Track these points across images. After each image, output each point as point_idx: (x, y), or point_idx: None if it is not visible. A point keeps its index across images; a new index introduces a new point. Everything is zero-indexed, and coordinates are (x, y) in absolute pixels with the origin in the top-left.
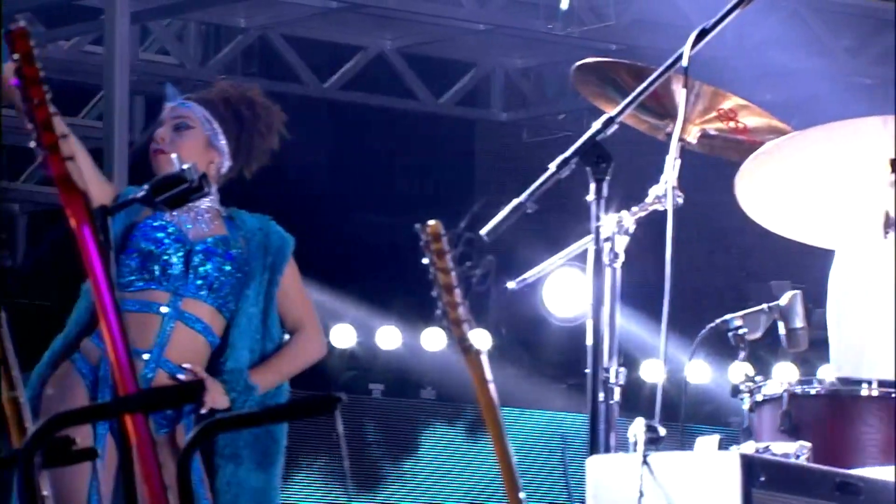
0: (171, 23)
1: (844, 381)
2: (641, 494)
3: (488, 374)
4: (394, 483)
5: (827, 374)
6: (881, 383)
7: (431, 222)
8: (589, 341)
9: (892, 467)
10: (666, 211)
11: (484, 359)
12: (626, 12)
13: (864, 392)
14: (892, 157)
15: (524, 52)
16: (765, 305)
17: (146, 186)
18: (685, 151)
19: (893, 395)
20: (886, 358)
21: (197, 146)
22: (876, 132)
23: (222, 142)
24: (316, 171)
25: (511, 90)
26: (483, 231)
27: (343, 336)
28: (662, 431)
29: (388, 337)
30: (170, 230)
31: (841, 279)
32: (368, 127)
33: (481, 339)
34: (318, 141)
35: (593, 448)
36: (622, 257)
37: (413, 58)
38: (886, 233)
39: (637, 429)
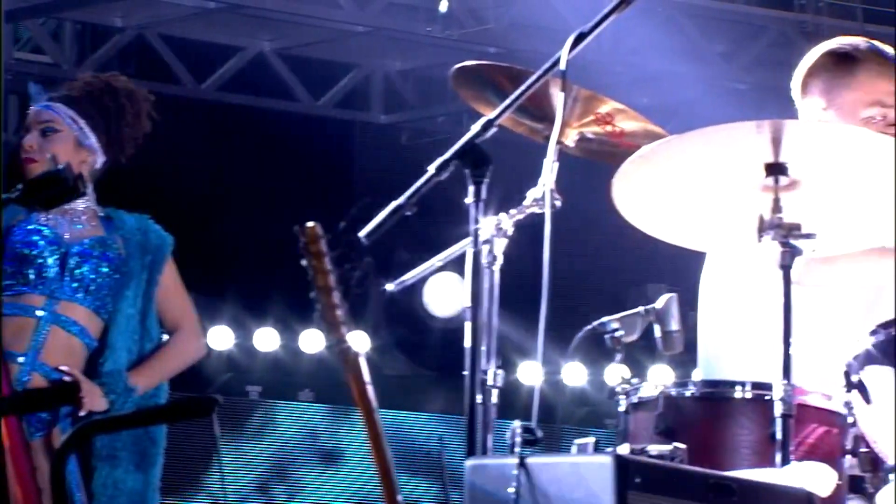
0: (46, 21)
1: (718, 383)
2: (518, 496)
3: (366, 376)
4: (271, 484)
5: (697, 375)
6: (754, 385)
7: (310, 224)
8: (467, 343)
9: (765, 469)
10: (544, 214)
11: (362, 361)
12: (504, 16)
13: (738, 394)
14: (767, 161)
15: (404, 55)
16: (641, 308)
17: (20, 187)
18: (563, 155)
19: (766, 398)
20: (757, 361)
21: (67, 149)
22: (750, 137)
23: (92, 139)
24: (194, 171)
25: (390, 92)
26: (362, 233)
27: (221, 338)
28: (539, 433)
29: (266, 339)
30: (45, 233)
31: (712, 283)
32: (247, 128)
33: (359, 341)
34: (195, 142)
35: (471, 450)
36: (500, 260)
37: (292, 59)
38: (760, 237)
39: (515, 430)
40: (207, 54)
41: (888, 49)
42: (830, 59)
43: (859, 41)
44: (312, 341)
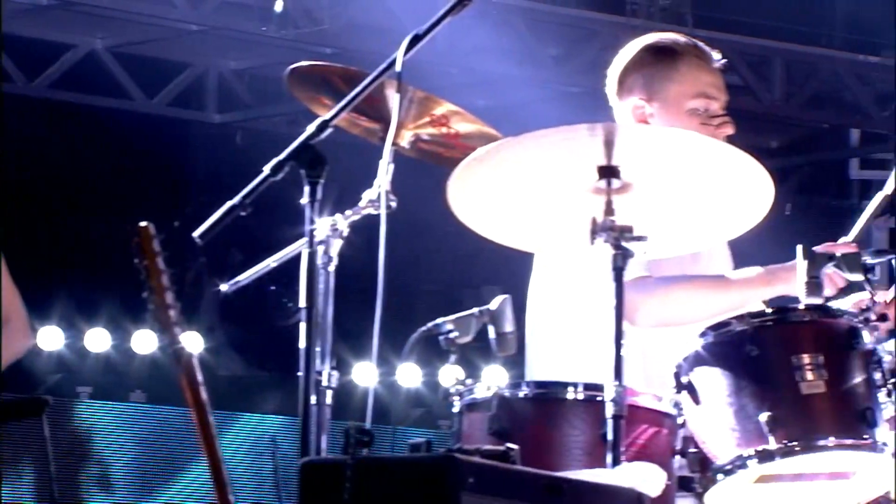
0: None
1: (551, 384)
2: (351, 497)
3: (199, 377)
4: (101, 485)
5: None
6: (586, 386)
7: (143, 224)
8: (302, 344)
9: (597, 469)
10: (379, 215)
11: (195, 361)
12: (340, 16)
13: (570, 395)
14: (599, 163)
15: (238, 54)
16: (476, 310)
17: None
18: (398, 156)
19: (598, 399)
20: (588, 363)
21: None
22: (583, 139)
23: None
24: (24, 169)
25: (225, 92)
26: (196, 233)
27: (50, 338)
28: (373, 434)
29: (97, 339)
30: None
31: (543, 285)
32: (80, 126)
33: (193, 341)
34: (27, 140)
35: (304, 451)
36: (336, 261)
37: (125, 57)
38: (593, 239)
39: (349, 431)
40: (39, 51)
41: (701, 44)
42: (650, 54)
43: (674, 36)
44: (145, 342)
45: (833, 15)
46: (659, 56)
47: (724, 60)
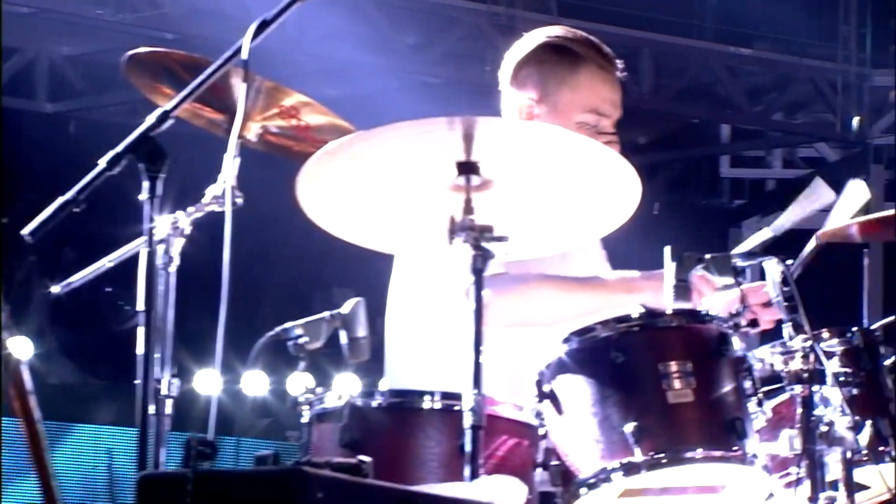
0: None
1: (406, 393)
2: None
3: (28, 385)
4: None
5: (384, 385)
6: (444, 395)
7: None
8: (140, 350)
9: (455, 483)
10: (224, 212)
11: (24, 368)
12: (182, 0)
13: (426, 405)
14: (458, 159)
15: (71, 39)
16: (326, 313)
17: None
18: (245, 149)
19: (456, 408)
20: (449, 370)
21: None
22: (441, 133)
23: None
24: None
25: (57, 79)
26: (25, 230)
27: None
28: (216, 446)
29: None
30: None
31: (401, 287)
32: None
33: (21, 347)
34: None
35: (142, 464)
36: (177, 261)
37: None
38: (451, 239)
39: (190, 443)
40: None
41: (607, 49)
42: (552, 52)
43: (582, 36)
44: None
45: (704, 5)
46: (561, 56)
47: (625, 73)
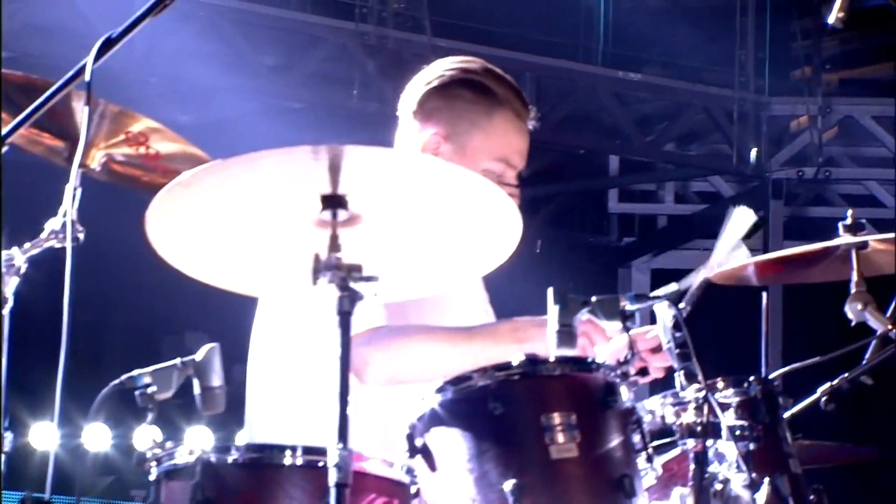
0: None
1: (265, 447)
2: None
3: None
4: None
5: (241, 439)
6: (306, 450)
7: None
8: None
9: None
10: (64, 248)
11: None
12: (17, 14)
13: (288, 460)
14: (324, 192)
15: None
16: (178, 360)
17: None
18: (88, 180)
19: (320, 464)
20: (314, 422)
21: None
22: (305, 163)
23: None
24: None
25: None
26: None
27: None
28: None
29: None
30: None
31: (264, 332)
32: None
33: None
34: None
35: None
36: (11, 302)
37: None
38: (316, 279)
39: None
40: None
41: (524, 95)
42: (468, 89)
43: (501, 75)
44: None
45: (590, 26)
46: (477, 95)
47: (538, 123)
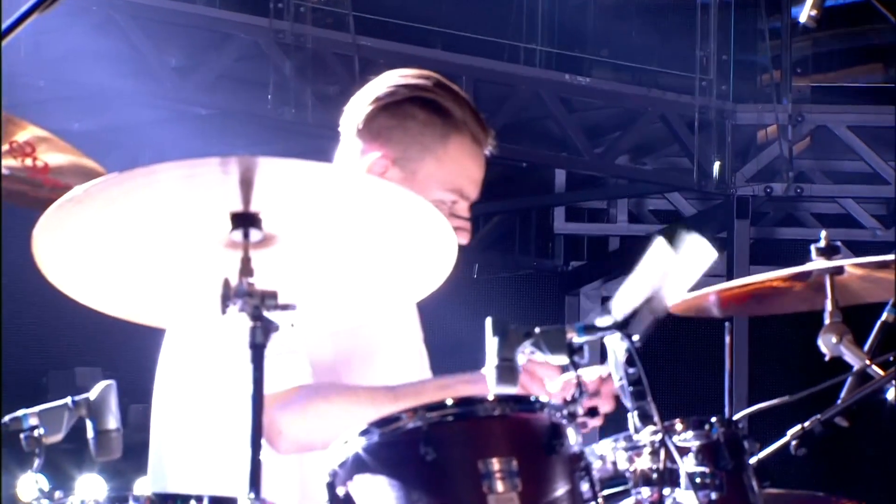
0: None
1: (169, 497)
2: None
3: None
4: None
5: (140, 488)
6: (214, 500)
7: None
8: None
9: None
10: None
11: None
12: None
13: None
14: (234, 210)
15: None
16: (68, 399)
17: None
18: None
19: None
20: (221, 469)
21: None
22: (213, 177)
23: None
24: None
25: None
26: None
27: None
28: None
29: None
30: None
31: (169, 368)
32: None
33: None
34: None
35: None
36: None
37: None
38: (225, 307)
39: None
40: None
41: (482, 119)
42: (421, 109)
43: (459, 94)
44: None
45: (533, 24)
46: (431, 116)
47: (496, 150)
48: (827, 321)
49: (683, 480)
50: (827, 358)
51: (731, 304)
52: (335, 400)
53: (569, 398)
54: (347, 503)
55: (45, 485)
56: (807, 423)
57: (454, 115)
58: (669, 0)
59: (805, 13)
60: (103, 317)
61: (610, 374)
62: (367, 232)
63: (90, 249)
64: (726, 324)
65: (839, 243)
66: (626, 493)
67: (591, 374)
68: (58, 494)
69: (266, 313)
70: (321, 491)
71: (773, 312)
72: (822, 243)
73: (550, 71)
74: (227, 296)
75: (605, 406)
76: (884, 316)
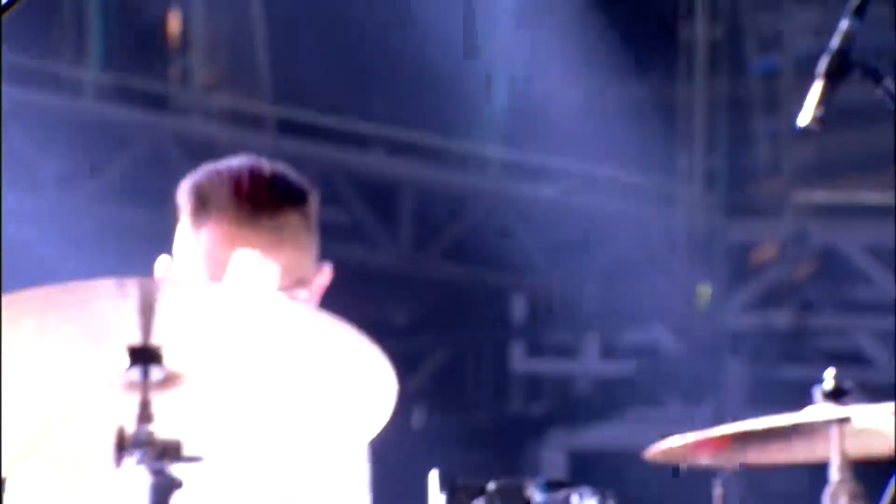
0: None
1: None
2: None
3: None
4: None
5: None
6: None
7: None
8: None
9: None
10: None
11: None
12: None
13: None
14: (132, 343)
15: None
16: None
17: None
18: None
19: None
20: None
21: None
22: (108, 304)
23: None
24: None
25: None
26: None
27: None
28: None
29: None
30: None
31: None
32: None
33: None
34: None
35: None
36: None
37: None
38: (120, 459)
39: None
40: None
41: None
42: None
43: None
44: None
45: (483, 123)
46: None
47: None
48: (833, 479)
49: None
50: None
51: (722, 453)
52: None
53: None
54: None
55: None
56: None
57: (203, 188)
58: (648, 96)
59: (808, 115)
60: None
61: None
62: (289, 369)
63: None
64: (715, 477)
65: (849, 385)
66: None
67: None
68: None
69: (168, 467)
70: None
71: (770, 464)
72: (829, 385)
73: (507, 179)
74: (123, 446)
75: None
76: None
